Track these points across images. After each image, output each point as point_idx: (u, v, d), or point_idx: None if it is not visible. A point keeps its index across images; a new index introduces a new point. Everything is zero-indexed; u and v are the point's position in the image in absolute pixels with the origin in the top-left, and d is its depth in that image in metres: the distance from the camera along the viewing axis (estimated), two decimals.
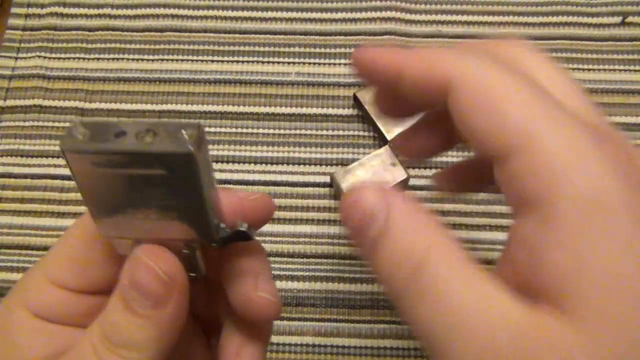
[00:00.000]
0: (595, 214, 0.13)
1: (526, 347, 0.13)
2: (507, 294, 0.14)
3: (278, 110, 0.36)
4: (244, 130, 0.36)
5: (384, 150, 0.33)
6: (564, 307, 0.13)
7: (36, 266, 0.18)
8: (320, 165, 0.35)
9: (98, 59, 0.38)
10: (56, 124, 0.36)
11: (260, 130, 0.36)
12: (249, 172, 0.35)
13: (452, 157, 0.35)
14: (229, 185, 0.34)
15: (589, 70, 0.37)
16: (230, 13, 0.39)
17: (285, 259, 0.33)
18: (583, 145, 0.13)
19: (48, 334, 0.17)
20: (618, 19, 0.38)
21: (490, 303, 0.14)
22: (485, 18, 0.38)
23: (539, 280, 0.13)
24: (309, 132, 0.36)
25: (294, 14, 0.39)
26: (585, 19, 0.38)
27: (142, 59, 0.38)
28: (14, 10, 0.39)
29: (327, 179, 0.34)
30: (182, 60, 0.38)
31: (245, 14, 0.39)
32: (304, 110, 0.36)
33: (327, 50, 0.38)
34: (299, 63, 0.37)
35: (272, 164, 0.35)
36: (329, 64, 0.37)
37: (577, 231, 0.13)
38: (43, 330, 0.17)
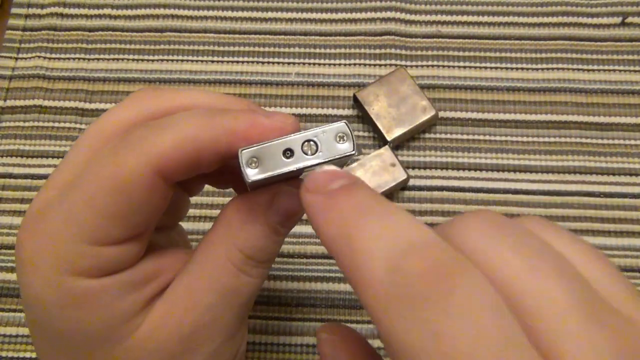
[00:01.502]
0: None
1: None
2: None
3: (278, 110, 0.36)
4: None
5: (384, 150, 0.33)
6: None
7: (58, 234, 0.17)
8: None
9: (98, 59, 0.38)
10: (56, 124, 0.36)
11: None
12: None
13: (453, 157, 0.35)
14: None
15: (589, 70, 0.37)
16: (230, 13, 0.39)
17: (285, 259, 0.33)
18: None
19: (121, 284, 0.18)
20: (618, 19, 0.38)
21: None
22: (485, 18, 0.38)
23: None
24: None
25: (294, 14, 0.39)
26: (585, 19, 0.38)
27: (142, 59, 0.38)
28: (14, 10, 0.39)
29: None
30: (182, 60, 0.38)
31: (245, 14, 0.39)
32: (304, 111, 0.36)
33: (327, 50, 0.38)
34: (299, 63, 0.37)
35: None
36: (329, 64, 0.37)
37: None
38: (115, 283, 0.17)
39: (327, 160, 0.17)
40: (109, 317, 0.17)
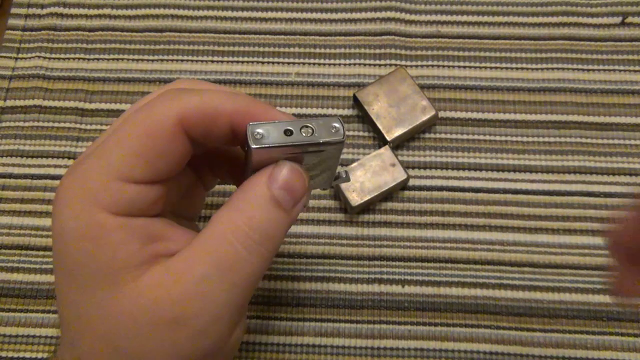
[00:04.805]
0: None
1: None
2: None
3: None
4: None
5: (384, 150, 0.33)
6: None
7: (91, 170, 0.19)
8: None
9: (98, 59, 0.38)
10: (56, 124, 0.36)
11: None
12: None
13: (453, 157, 0.35)
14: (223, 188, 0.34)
15: (589, 70, 0.37)
16: (230, 13, 0.39)
17: (285, 259, 0.33)
18: None
19: (132, 229, 0.19)
20: (618, 19, 0.38)
21: None
22: (485, 18, 0.38)
23: None
24: None
25: (294, 14, 0.39)
26: (585, 19, 0.38)
27: (142, 59, 0.38)
28: (14, 10, 0.39)
29: None
30: (182, 60, 0.38)
31: (245, 14, 0.39)
32: (304, 111, 0.36)
33: (327, 50, 0.38)
34: (299, 63, 0.37)
35: None
36: (329, 64, 0.37)
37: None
38: (127, 226, 0.19)
39: (320, 141, 0.20)
40: (113, 257, 0.19)
